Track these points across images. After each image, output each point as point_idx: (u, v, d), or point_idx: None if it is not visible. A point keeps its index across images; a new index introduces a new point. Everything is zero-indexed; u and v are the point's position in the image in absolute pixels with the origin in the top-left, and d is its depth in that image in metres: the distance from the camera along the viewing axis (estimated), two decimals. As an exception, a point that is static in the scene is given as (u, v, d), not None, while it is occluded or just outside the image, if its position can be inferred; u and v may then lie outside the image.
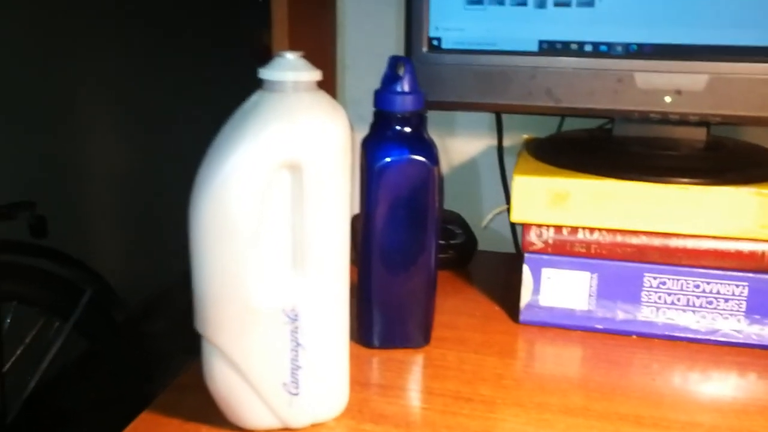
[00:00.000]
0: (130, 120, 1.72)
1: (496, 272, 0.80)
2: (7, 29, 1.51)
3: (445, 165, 0.92)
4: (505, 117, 0.84)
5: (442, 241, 0.79)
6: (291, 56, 0.47)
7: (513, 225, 0.83)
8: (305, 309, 0.48)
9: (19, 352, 1.27)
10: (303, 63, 0.47)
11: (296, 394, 0.49)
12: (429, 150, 0.60)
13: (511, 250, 0.86)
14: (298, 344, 0.48)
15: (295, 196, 0.46)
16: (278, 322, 0.48)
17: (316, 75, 0.47)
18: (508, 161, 0.75)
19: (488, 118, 0.84)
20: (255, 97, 0.47)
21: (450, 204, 0.86)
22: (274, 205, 0.46)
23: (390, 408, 0.54)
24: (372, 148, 0.60)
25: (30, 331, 1.28)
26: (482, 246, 0.85)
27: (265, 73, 0.46)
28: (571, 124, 0.82)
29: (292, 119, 0.45)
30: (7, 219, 1.16)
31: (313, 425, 0.51)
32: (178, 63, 1.68)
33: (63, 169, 1.65)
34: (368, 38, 0.89)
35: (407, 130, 0.60)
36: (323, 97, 0.47)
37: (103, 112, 1.74)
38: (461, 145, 0.91)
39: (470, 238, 0.82)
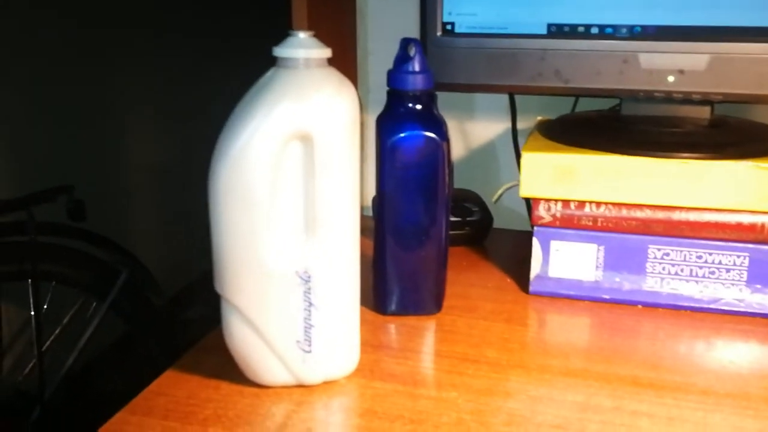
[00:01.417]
0: (168, 114, 1.77)
1: (511, 248, 0.83)
2: (48, 27, 1.56)
3: (464, 147, 0.95)
4: (521, 100, 0.86)
5: (459, 218, 0.83)
6: (303, 35, 0.50)
7: (528, 203, 0.86)
8: (317, 271, 0.51)
9: (57, 331, 1.32)
10: (314, 41, 0.50)
11: (309, 352, 0.53)
12: (439, 126, 0.63)
13: (527, 228, 0.89)
14: (310, 304, 0.52)
15: (306, 165, 0.50)
16: (292, 283, 0.51)
17: (326, 52, 0.50)
18: (523, 142, 0.78)
19: (505, 102, 0.87)
20: (269, 73, 0.51)
21: (468, 183, 0.89)
22: (287, 174, 0.50)
23: (399, 368, 0.57)
24: (385, 124, 0.63)
25: (68, 311, 1.33)
26: (499, 224, 0.88)
27: (279, 51, 0.50)
28: (585, 106, 0.85)
29: (303, 94, 0.49)
30: (47, 202, 1.21)
31: (326, 382, 0.55)
32: (216, 62, 1.72)
33: (102, 158, 1.71)
34: (391, 24, 0.93)
35: (418, 107, 0.63)
36: (333, 73, 0.51)
37: (142, 106, 1.79)
38: (479, 128, 0.94)
39: (486, 216, 0.85)
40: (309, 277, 0.51)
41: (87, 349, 1.29)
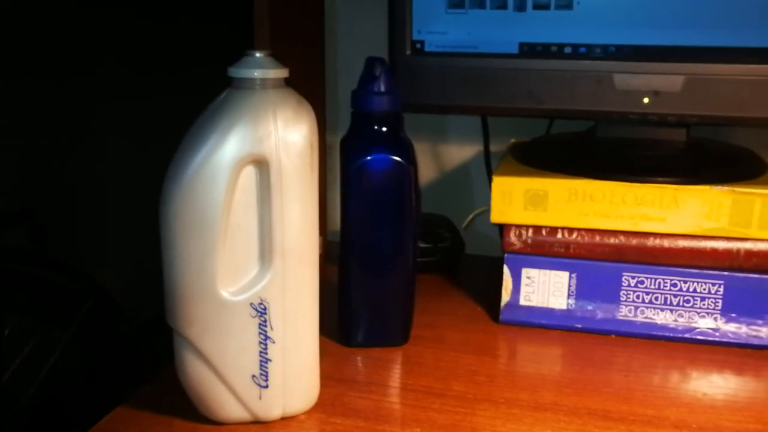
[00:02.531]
0: (137, 136, 1.74)
1: (482, 275, 0.81)
2: (11, 39, 1.53)
3: (436, 170, 0.93)
4: (494, 122, 0.84)
5: (429, 244, 0.81)
6: (259, 54, 0.48)
7: (500, 229, 0.84)
8: (273, 302, 0.49)
9: (18, 361, 1.28)
10: (271, 61, 0.48)
11: (266, 387, 0.50)
12: (405, 149, 0.61)
13: (500, 253, 0.87)
14: (267, 337, 0.50)
15: (261, 190, 0.48)
16: (246, 314, 0.49)
17: (283, 72, 0.48)
18: (496, 165, 0.76)
19: (478, 123, 0.85)
20: (224, 95, 0.48)
21: (440, 208, 0.87)
22: (241, 200, 0.47)
23: (361, 402, 0.55)
24: (349, 147, 0.61)
25: (29, 341, 1.29)
26: (471, 249, 0.86)
27: (233, 71, 0.48)
28: (560, 127, 0.83)
29: (258, 116, 0.47)
30: (7, 227, 1.18)
31: (284, 418, 0.52)
32: (189, 78, 1.70)
33: (66, 180, 1.66)
34: (362, 42, 0.91)
35: (384, 129, 0.61)
36: (290, 94, 0.49)
37: (109, 127, 1.76)
38: (452, 150, 0.92)
39: (457, 242, 0.83)
40: (264, 308, 0.49)
41: (49, 380, 1.25)
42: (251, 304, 0.49)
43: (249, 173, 0.47)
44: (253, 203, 0.48)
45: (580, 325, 0.67)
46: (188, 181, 0.46)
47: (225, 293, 0.48)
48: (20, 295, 1.19)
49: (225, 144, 0.46)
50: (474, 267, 0.83)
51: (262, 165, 0.47)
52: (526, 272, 0.68)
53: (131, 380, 1.25)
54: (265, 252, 0.48)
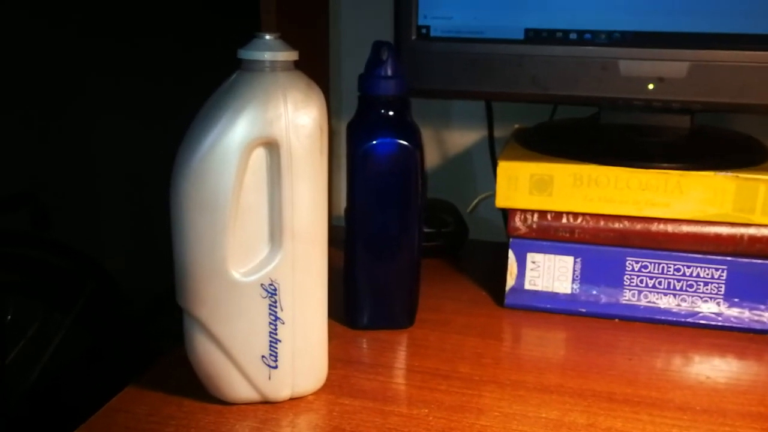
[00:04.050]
0: (141, 117, 1.74)
1: (486, 260, 0.81)
2: (15, 21, 1.52)
3: (440, 156, 0.93)
4: (499, 108, 0.85)
5: (433, 229, 0.81)
6: (269, 37, 0.48)
7: (504, 214, 0.85)
8: (283, 283, 0.49)
9: (21, 344, 1.28)
10: (280, 43, 0.48)
11: (275, 368, 0.51)
12: (412, 133, 0.61)
13: (503, 239, 0.87)
14: (276, 318, 0.50)
15: (272, 172, 0.48)
16: (256, 295, 0.49)
17: (293, 55, 0.48)
18: (500, 151, 0.77)
19: (482, 109, 0.85)
20: (234, 77, 0.49)
21: (443, 193, 0.87)
22: (252, 182, 0.48)
23: (369, 384, 0.55)
24: (356, 131, 0.61)
25: (32, 324, 1.29)
26: (475, 235, 0.86)
27: (243, 53, 0.48)
28: (564, 114, 0.83)
29: (268, 99, 0.47)
30: (8, 210, 1.18)
31: (292, 399, 0.53)
32: (192, 62, 1.69)
33: (69, 163, 1.66)
34: (366, 27, 0.91)
35: (390, 113, 0.61)
36: (300, 77, 0.49)
37: (113, 108, 1.75)
38: (455, 136, 0.93)
39: (461, 227, 0.83)
40: (275, 289, 0.49)
41: (52, 363, 1.25)
42: (261, 284, 0.49)
43: (259, 155, 0.48)
44: (264, 185, 0.48)
45: (584, 310, 0.68)
46: (199, 163, 0.47)
47: (236, 274, 0.48)
48: (22, 279, 1.19)
49: (235, 126, 0.47)
50: (477, 252, 0.84)
51: (272, 147, 0.47)
52: (531, 257, 0.68)
53: (133, 362, 1.25)
54: (275, 233, 0.49)
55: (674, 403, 0.54)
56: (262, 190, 0.48)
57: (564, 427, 0.50)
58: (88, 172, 1.73)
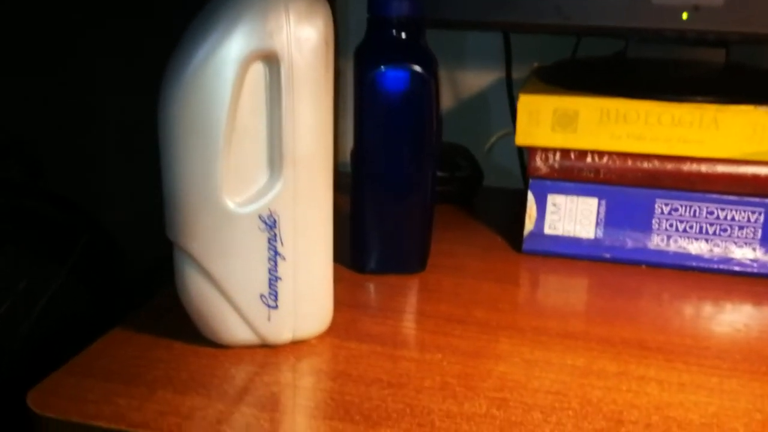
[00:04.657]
0: (141, 66, 1.68)
1: (501, 206, 0.77)
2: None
3: (453, 97, 0.88)
4: (517, 46, 0.79)
5: (446, 174, 0.76)
6: (268, -61, 0.43)
7: (521, 158, 0.80)
8: (283, 215, 0.45)
9: (12, 297, 1.24)
10: (281, -53, 0.43)
11: (275, 308, 0.47)
12: (427, 61, 0.56)
13: (519, 186, 0.82)
14: (276, 253, 0.45)
15: (271, 90, 0.43)
16: (254, 228, 0.45)
17: (295, -40, 0.43)
18: (518, 92, 0.72)
19: (498, 49, 0.80)
20: (229, -16, 0.44)
21: (457, 137, 0.82)
22: (249, 101, 0.43)
23: (377, 328, 0.51)
24: (365, 57, 0.56)
25: (24, 277, 1.25)
26: (489, 182, 0.81)
27: (240, -43, 0.43)
28: (586, 52, 0.78)
29: (267, 7, 0.42)
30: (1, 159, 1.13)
31: (293, 342, 0.48)
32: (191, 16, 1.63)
33: (65, 111, 1.60)
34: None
35: (403, 37, 0.56)
36: (303, -15, 0.44)
37: (112, 54, 1.69)
38: (470, 76, 0.87)
39: (476, 172, 0.79)
40: (274, 221, 0.45)
41: (46, 318, 1.21)
42: (260, 216, 0.44)
43: (257, 71, 0.43)
44: (262, 105, 0.43)
45: (608, 255, 0.63)
46: (190, 79, 0.42)
47: (231, 204, 0.44)
48: (13, 229, 1.15)
49: (231, 38, 0.42)
50: (492, 198, 0.79)
51: (271, 62, 0.43)
52: (552, 199, 0.63)
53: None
54: (275, 159, 0.44)
55: (711, 351, 0.49)
56: (261, 111, 0.43)
57: (593, 374, 0.46)
58: (85, 121, 1.67)
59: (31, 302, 1.19)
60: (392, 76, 0.55)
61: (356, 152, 0.58)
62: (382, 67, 0.55)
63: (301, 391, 0.44)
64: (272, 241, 0.45)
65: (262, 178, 0.45)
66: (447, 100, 0.88)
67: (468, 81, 0.87)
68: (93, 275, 1.20)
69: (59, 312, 1.22)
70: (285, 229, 0.45)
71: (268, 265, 0.46)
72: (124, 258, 1.29)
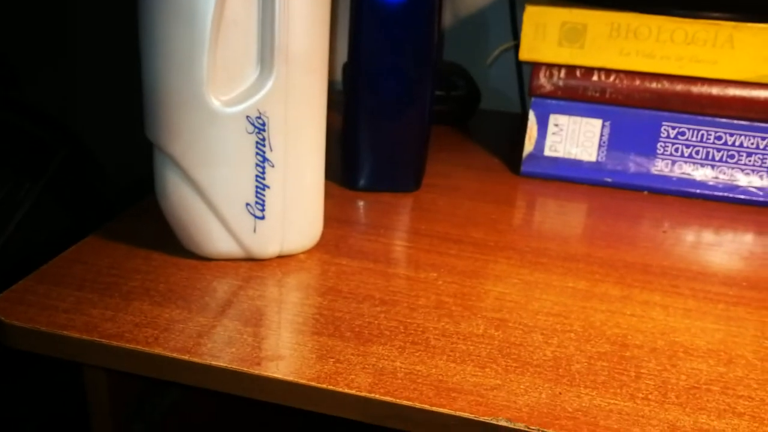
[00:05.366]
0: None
1: (500, 128, 0.74)
2: None
3: (450, 15, 0.84)
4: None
5: (442, 93, 0.73)
6: None
7: (520, 79, 0.76)
8: (274, 116, 0.41)
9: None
10: None
11: (262, 218, 0.44)
12: (428, -36, 0.52)
13: (517, 110, 0.79)
14: (265, 159, 0.42)
15: (263, -22, 0.39)
16: (241, 129, 0.41)
17: None
18: (521, 8, 0.68)
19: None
20: None
21: (453, 56, 0.79)
22: (238, -12, 0.39)
23: (370, 245, 0.48)
24: (363, -44, 0.52)
25: (-1, 190, 1.20)
26: (486, 105, 0.78)
27: None
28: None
29: None
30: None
31: (281, 256, 0.46)
32: None
33: (41, 19, 1.52)
34: None
35: (404, -63, 0.52)
36: None
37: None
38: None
39: (473, 92, 0.75)
40: (263, 124, 0.41)
41: (20, 234, 1.17)
42: (247, 117, 0.41)
43: (248, -45, 0.39)
44: (252, -7, 0.39)
45: (610, 179, 0.60)
46: (174, -39, 0.38)
47: (216, 102, 0.40)
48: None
49: None
50: (490, 121, 0.76)
51: (264, -54, 0.39)
52: (554, 119, 0.60)
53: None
54: (266, 55, 0.40)
55: (717, 277, 0.47)
56: (251, 1, 0.40)
57: (595, 298, 0.43)
58: (67, 31, 1.60)
59: (6, 216, 1.15)
60: (392, -22, 0.51)
61: (351, 65, 0.54)
62: (381, -33, 0.51)
63: (288, 306, 0.41)
64: (260, 145, 0.42)
65: (252, 75, 0.41)
66: (444, 17, 0.84)
67: (467, -2, 0.83)
68: (70, 191, 1.16)
69: (34, 228, 1.18)
70: (275, 132, 0.42)
71: (256, 172, 0.42)
72: (103, 173, 1.25)
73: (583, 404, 0.34)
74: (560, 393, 0.35)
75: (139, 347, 0.36)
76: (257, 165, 0.42)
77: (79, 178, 1.17)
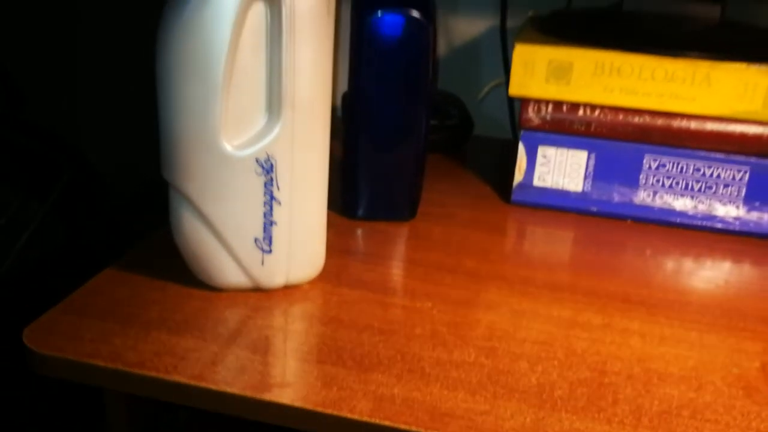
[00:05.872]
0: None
1: (491, 157, 0.77)
2: None
3: (445, 45, 0.88)
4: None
5: (436, 122, 0.76)
6: None
7: (511, 109, 0.80)
8: (281, 159, 0.45)
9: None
10: None
11: (269, 252, 0.47)
12: (425, 6, 0.55)
13: (509, 137, 0.83)
14: (272, 198, 0.46)
15: (272, 31, 0.43)
16: (251, 171, 0.45)
17: None
18: (512, 42, 0.71)
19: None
20: None
21: (449, 87, 0.82)
22: (249, 42, 0.42)
23: (369, 274, 0.52)
24: (361, 1, 0.55)
25: (5, 212, 1.23)
26: (478, 132, 0.81)
27: None
28: (581, 3, 0.77)
29: (271, -54, 0.41)
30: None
31: (286, 287, 0.49)
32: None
33: (47, 39, 1.56)
34: None
35: (401, -17, 0.55)
36: (307, -75, 0.43)
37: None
38: (462, 24, 0.86)
39: (466, 121, 0.79)
40: (271, 166, 0.45)
41: (26, 254, 1.20)
42: (257, 159, 0.44)
43: (258, 12, 0.42)
44: (262, 46, 0.43)
45: (595, 209, 0.64)
46: (190, 16, 0.41)
47: (228, 146, 0.44)
48: (-3, 162, 1.13)
49: (232, -22, 0.41)
50: (482, 148, 0.79)
51: (272, 3, 0.42)
52: (542, 150, 0.64)
53: (114, 257, 1.21)
54: (274, 102, 0.44)
55: (692, 306, 0.50)
56: (261, 53, 0.43)
57: (578, 326, 0.47)
58: (70, 49, 1.63)
59: (13, 236, 1.18)
60: (389, 21, 0.55)
61: (351, 97, 0.58)
62: (379, 11, 0.54)
63: (294, 335, 0.45)
64: (268, 185, 0.45)
65: (260, 121, 0.44)
66: (438, 47, 0.87)
67: (460, 28, 0.86)
68: (75, 209, 1.19)
69: (41, 246, 1.21)
70: (281, 173, 0.45)
71: (264, 210, 0.46)
72: (107, 192, 1.27)
73: (564, 428, 0.38)
74: (543, 417, 0.38)
75: (159, 375, 0.40)
76: (265, 203, 0.46)
77: (85, 198, 1.20)
